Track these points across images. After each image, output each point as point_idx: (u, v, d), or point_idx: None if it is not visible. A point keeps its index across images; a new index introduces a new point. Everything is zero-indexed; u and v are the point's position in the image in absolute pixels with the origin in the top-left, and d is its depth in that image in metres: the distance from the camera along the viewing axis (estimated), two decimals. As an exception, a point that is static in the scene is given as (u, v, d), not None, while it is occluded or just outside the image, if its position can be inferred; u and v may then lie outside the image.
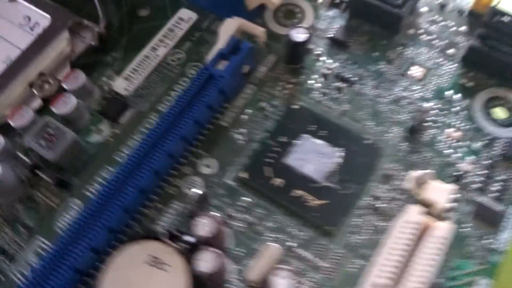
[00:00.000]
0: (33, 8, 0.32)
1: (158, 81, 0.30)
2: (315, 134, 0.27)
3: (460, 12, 0.31)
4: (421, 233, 0.22)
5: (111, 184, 0.23)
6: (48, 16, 0.31)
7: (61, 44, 0.30)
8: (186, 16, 0.32)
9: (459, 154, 0.27)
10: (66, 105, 0.27)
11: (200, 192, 0.25)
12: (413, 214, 0.22)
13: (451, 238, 0.23)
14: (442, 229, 0.21)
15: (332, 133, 0.27)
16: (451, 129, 0.27)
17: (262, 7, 0.32)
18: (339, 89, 0.29)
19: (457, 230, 0.25)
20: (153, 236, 0.24)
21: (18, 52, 0.30)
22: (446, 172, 0.26)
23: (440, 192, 0.24)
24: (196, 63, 0.30)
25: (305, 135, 0.27)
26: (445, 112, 0.28)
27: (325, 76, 0.29)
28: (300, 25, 0.28)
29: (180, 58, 0.31)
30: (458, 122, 0.28)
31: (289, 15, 0.32)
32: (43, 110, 0.28)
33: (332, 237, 0.25)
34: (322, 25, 0.31)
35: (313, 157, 0.27)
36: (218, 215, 0.25)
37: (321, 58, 0.30)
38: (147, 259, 0.23)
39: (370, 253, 0.24)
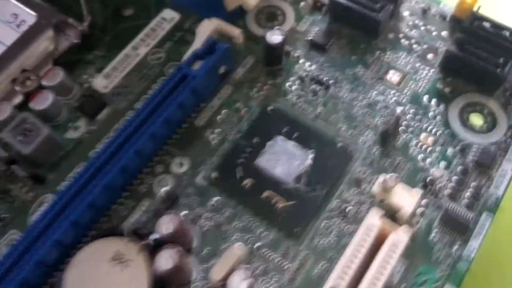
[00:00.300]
0: (21, 6, 0.33)
1: (137, 80, 0.30)
2: (288, 136, 0.27)
3: (442, 17, 0.31)
4: (381, 237, 0.22)
5: (79, 179, 0.24)
6: (34, 13, 0.32)
7: (45, 42, 0.31)
8: (169, 16, 0.33)
9: (432, 160, 0.26)
10: (43, 101, 0.28)
11: (169, 189, 0.25)
12: (374, 217, 0.22)
13: (417, 239, 0.23)
14: (401, 234, 0.21)
15: (305, 135, 0.27)
16: (425, 134, 0.27)
17: (244, 10, 0.32)
18: (314, 92, 0.29)
19: (425, 236, 0.24)
20: (118, 232, 0.24)
21: (3, 49, 0.31)
22: (417, 177, 0.26)
23: (407, 197, 0.24)
24: (175, 63, 0.31)
25: (277, 137, 0.27)
26: (420, 117, 0.28)
27: (302, 78, 0.29)
28: (277, 27, 0.28)
29: (160, 57, 0.31)
30: (433, 127, 0.27)
31: (271, 17, 0.32)
32: (25, 105, 0.29)
33: (298, 239, 0.25)
34: (302, 28, 0.31)
35: (284, 159, 0.27)
36: (184, 213, 0.25)
37: (299, 61, 0.30)
38: (112, 255, 0.23)
39: (335, 256, 0.24)
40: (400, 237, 0.21)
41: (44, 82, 0.29)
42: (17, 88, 0.30)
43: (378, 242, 0.22)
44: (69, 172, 0.27)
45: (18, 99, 0.30)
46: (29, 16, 0.32)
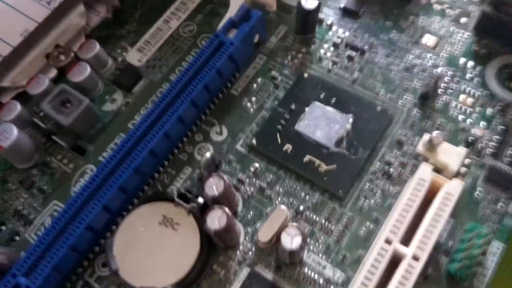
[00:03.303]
0: (50, -17, 0.33)
1: (170, 53, 0.30)
2: (325, 102, 0.27)
3: (474, -19, 0.31)
4: (431, 192, 0.22)
5: (125, 144, 0.24)
6: (63, -10, 0.32)
7: (77, 18, 0.31)
8: (198, -10, 0.33)
9: (472, 120, 0.26)
10: (80, 73, 0.28)
11: (211, 155, 0.25)
12: (426, 171, 0.22)
13: (463, 198, 0.23)
14: (454, 184, 0.21)
15: (343, 100, 0.27)
16: (464, 96, 0.27)
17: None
18: (350, 58, 0.29)
19: (471, 193, 0.24)
20: (165, 197, 0.24)
21: (35, 25, 0.31)
22: (459, 137, 0.26)
23: (453, 155, 0.24)
24: (207, 35, 0.31)
25: (315, 102, 0.27)
26: (458, 79, 0.28)
27: (336, 45, 0.29)
28: (310, -7, 0.28)
29: (192, 30, 0.31)
30: (471, 88, 0.27)
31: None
32: (59, 80, 0.29)
33: (343, 201, 0.25)
34: (333, -5, 0.31)
35: (324, 124, 0.27)
36: (227, 177, 0.25)
37: (332, 28, 0.30)
38: (160, 218, 0.23)
39: (381, 217, 0.24)
40: (453, 188, 0.21)
41: (81, 55, 0.29)
42: (51, 62, 0.30)
43: (428, 196, 0.22)
44: (108, 144, 0.27)
45: (53, 73, 0.30)
46: (59, -7, 0.33)
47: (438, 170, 0.24)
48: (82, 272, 0.24)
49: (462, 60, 0.28)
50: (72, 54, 0.30)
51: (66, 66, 0.29)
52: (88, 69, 0.28)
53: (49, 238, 0.22)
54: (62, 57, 0.30)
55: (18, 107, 0.27)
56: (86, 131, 0.28)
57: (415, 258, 0.19)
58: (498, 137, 0.26)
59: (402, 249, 0.20)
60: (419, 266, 0.19)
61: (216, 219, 0.21)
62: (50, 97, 0.27)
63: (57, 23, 0.31)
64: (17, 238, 0.25)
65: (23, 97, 0.28)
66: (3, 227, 0.26)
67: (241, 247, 0.24)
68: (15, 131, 0.25)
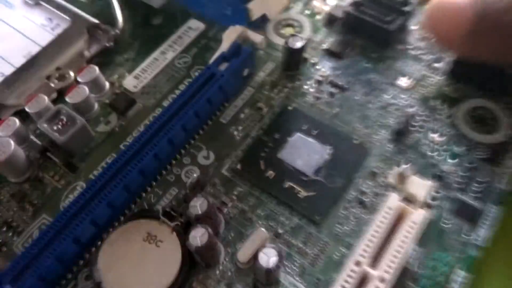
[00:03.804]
0: (55, 11, 0.35)
1: (164, 81, 0.32)
2: (307, 133, 0.29)
3: (447, 31, 0.34)
4: (400, 220, 0.23)
5: (116, 162, 0.25)
6: (68, 18, 0.35)
7: (79, 44, 0.33)
8: (194, 26, 0.35)
9: (442, 157, 0.28)
10: (78, 95, 0.30)
11: (197, 177, 0.27)
12: (394, 200, 0.23)
13: (430, 228, 0.24)
14: (417, 215, 0.22)
15: (323, 132, 0.29)
16: (434, 134, 0.29)
17: (264, 20, 0.35)
18: (331, 94, 0.31)
19: (437, 224, 0.26)
20: (151, 215, 0.25)
21: (38, 49, 0.33)
22: (429, 172, 0.28)
23: (421, 187, 0.26)
24: (200, 67, 0.33)
25: (297, 133, 0.29)
26: (430, 118, 0.30)
27: (319, 82, 0.32)
28: (297, 34, 0.31)
29: (186, 61, 0.33)
30: (442, 127, 0.29)
31: (289, 28, 0.35)
32: (58, 100, 0.31)
33: (319, 227, 0.26)
34: (318, 38, 0.34)
35: (304, 153, 0.28)
36: (211, 199, 0.26)
37: (316, 67, 0.32)
38: (144, 235, 0.24)
39: (353, 242, 0.25)
40: (417, 216, 0.22)
41: (80, 78, 0.30)
42: (51, 84, 0.31)
43: (397, 224, 0.23)
44: (99, 163, 0.29)
45: (52, 94, 0.31)
46: (64, 20, 0.35)
47: (407, 200, 0.26)
48: (65, 284, 0.24)
49: (434, 101, 0.31)
50: (72, 77, 0.31)
51: (66, 88, 0.31)
52: (86, 91, 0.30)
53: (36, 249, 0.23)
54: (62, 79, 0.32)
55: (16, 123, 0.28)
56: (79, 149, 0.29)
57: (382, 279, 0.21)
58: (464, 173, 0.28)
59: (369, 270, 0.21)
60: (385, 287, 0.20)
61: (198, 237, 0.23)
62: (47, 116, 0.28)
63: (60, 48, 0.33)
64: (5, 248, 0.26)
65: (21, 115, 0.30)
66: (-9, 238, 0.26)
67: (220, 267, 0.25)
68: (12, 145, 0.27)
